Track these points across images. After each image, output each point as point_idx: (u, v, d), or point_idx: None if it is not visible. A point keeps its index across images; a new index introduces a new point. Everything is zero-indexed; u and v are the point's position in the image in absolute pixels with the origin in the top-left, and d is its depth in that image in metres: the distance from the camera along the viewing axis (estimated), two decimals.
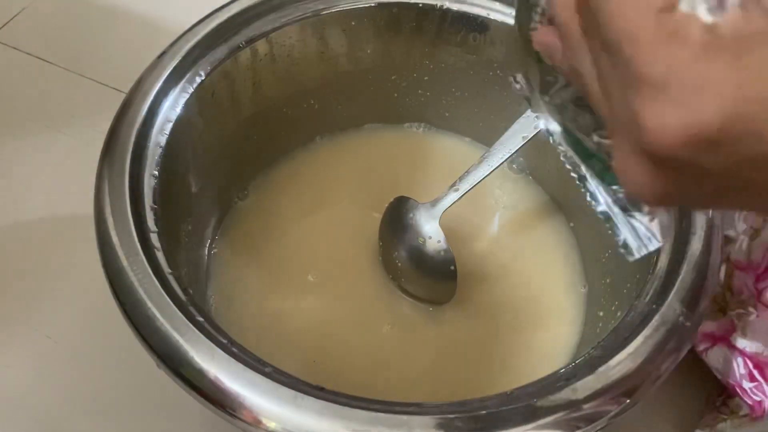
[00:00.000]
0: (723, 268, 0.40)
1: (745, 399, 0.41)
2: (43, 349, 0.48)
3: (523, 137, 0.44)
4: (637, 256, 0.28)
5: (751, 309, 0.42)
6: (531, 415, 0.30)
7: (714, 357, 0.44)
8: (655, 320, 0.34)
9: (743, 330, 0.42)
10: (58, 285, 0.51)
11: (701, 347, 0.44)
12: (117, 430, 0.45)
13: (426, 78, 0.53)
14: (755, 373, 0.41)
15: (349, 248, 0.50)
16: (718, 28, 0.18)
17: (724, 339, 0.43)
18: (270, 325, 0.45)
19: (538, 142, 0.53)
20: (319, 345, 0.45)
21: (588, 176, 0.31)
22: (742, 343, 0.42)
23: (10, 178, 0.58)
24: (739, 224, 0.44)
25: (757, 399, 0.41)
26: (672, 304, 0.34)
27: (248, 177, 0.53)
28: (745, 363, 0.42)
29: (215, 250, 0.49)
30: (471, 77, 0.52)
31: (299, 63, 0.49)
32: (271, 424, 0.29)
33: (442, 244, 0.45)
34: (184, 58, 0.42)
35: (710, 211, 0.38)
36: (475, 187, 0.45)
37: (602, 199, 0.31)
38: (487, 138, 0.55)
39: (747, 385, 0.41)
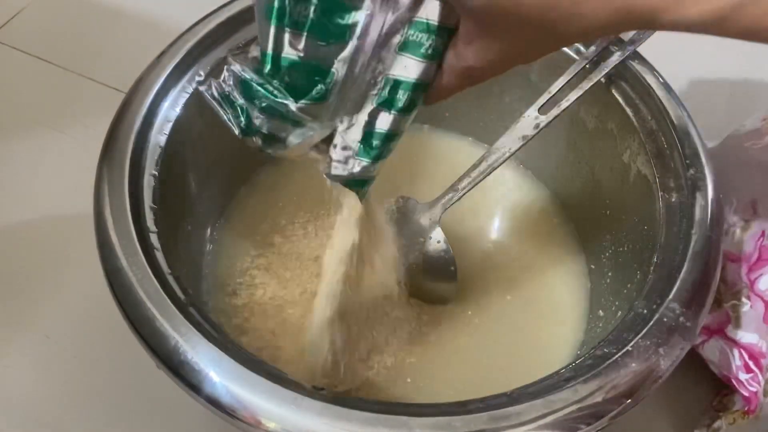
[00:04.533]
0: None
1: (742, 391, 0.41)
2: (43, 349, 0.48)
3: (523, 137, 0.44)
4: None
5: (744, 300, 0.42)
6: (531, 415, 0.30)
7: (710, 350, 0.44)
8: (655, 320, 0.34)
9: (738, 321, 0.42)
10: (58, 285, 0.51)
11: (697, 341, 0.44)
12: (117, 430, 0.45)
13: None
14: (750, 364, 0.41)
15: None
16: None
17: (720, 331, 0.43)
18: (270, 323, 0.45)
19: (540, 142, 0.53)
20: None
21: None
22: (737, 334, 0.42)
23: (10, 178, 0.58)
24: (731, 217, 0.44)
25: (753, 390, 0.41)
26: (672, 304, 0.34)
27: (248, 176, 0.53)
28: (741, 354, 0.42)
29: (215, 250, 0.49)
30: None
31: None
32: (271, 425, 0.29)
33: (442, 245, 0.45)
34: (184, 58, 0.42)
35: (710, 212, 0.38)
36: (476, 187, 0.45)
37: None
38: (489, 137, 0.55)
39: (743, 376, 0.41)
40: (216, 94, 0.32)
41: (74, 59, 0.66)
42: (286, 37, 0.29)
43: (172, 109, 0.41)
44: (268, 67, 0.30)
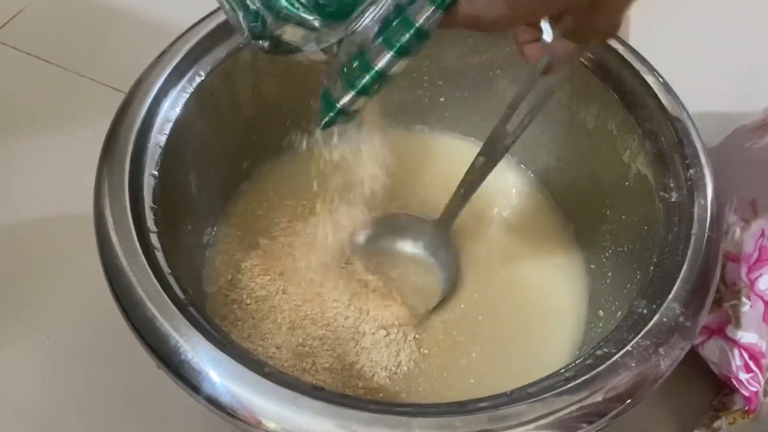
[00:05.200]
0: None
1: (742, 391, 0.41)
2: (43, 349, 0.48)
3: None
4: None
5: (744, 299, 0.42)
6: (531, 415, 0.30)
7: (710, 350, 0.44)
8: (656, 320, 0.34)
9: (738, 321, 0.42)
10: (57, 285, 0.51)
11: (697, 341, 0.44)
12: (116, 430, 0.45)
13: (426, 78, 0.53)
14: (751, 363, 0.41)
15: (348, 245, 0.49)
16: None
17: (720, 331, 0.43)
18: (270, 321, 0.45)
19: (540, 142, 0.53)
20: (318, 342, 0.45)
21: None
22: (737, 334, 0.42)
23: (10, 178, 0.58)
24: (730, 216, 0.44)
25: (753, 390, 0.41)
26: (672, 304, 0.34)
27: (248, 175, 0.53)
28: (741, 354, 0.42)
29: (215, 249, 0.49)
30: (471, 77, 0.52)
31: (299, 63, 0.49)
32: (271, 425, 0.29)
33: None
34: (184, 58, 0.42)
35: (709, 212, 0.38)
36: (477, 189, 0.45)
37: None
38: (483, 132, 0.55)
39: (743, 376, 0.41)
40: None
41: (74, 59, 0.66)
42: None
43: (172, 109, 0.41)
44: None
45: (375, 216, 0.48)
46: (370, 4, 0.30)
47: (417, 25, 0.30)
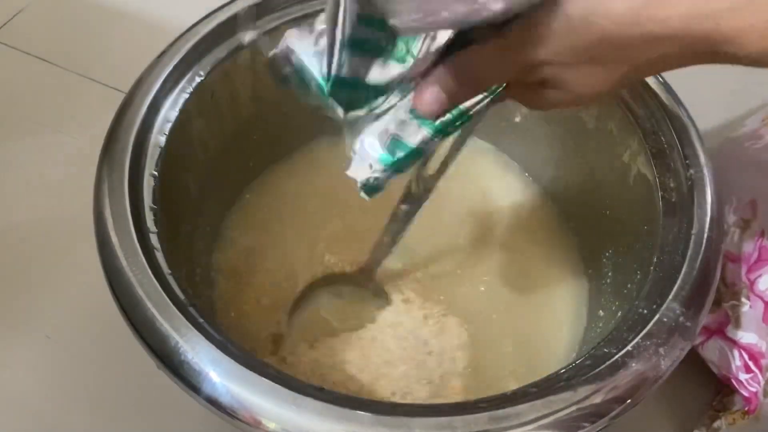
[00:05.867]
0: None
1: (742, 391, 0.41)
2: (43, 349, 0.48)
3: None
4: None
5: (744, 300, 0.42)
6: (531, 415, 0.30)
7: (710, 350, 0.44)
8: (656, 320, 0.34)
9: (737, 321, 0.42)
10: (57, 285, 0.51)
11: (697, 341, 0.44)
12: (116, 429, 0.45)
13: None
14: (750, 364, 0.41)
15: (349, 247, 0.49)
16: None
17: (719, 332, 0.43)
18: (268, 321, 0.45)
19: (540, 143, 0.53)
20: (317, 340, 0.45)
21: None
22: (737, 334, 0.42)
23: (10, 178, 0.58)
24: (730, 216, 0.44)
25: (753, 390, 0.41)
26: (672, 304, 0.34)
27: (248, 177, 0.53)
28: (741, 355, 0.42)
29: (215, 250, 0.49)
30: None
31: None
32: (271, 425, 0.29)
33: None
34: (184, 58, 0.42)
35: (709, 212, 0.38)
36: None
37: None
38: (484, 131, 0.55)
39: (743, 376, 0.42)
40: (278, 61, 0.32)
41: (74, 59, 0.66)
42: (353, 59, 0.29)
43: (172, 109, 0.41)
44: (327, 88, 0.30)
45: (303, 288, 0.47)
46: (383, 103, 0.31)
47: (470, 113, 0.32)
